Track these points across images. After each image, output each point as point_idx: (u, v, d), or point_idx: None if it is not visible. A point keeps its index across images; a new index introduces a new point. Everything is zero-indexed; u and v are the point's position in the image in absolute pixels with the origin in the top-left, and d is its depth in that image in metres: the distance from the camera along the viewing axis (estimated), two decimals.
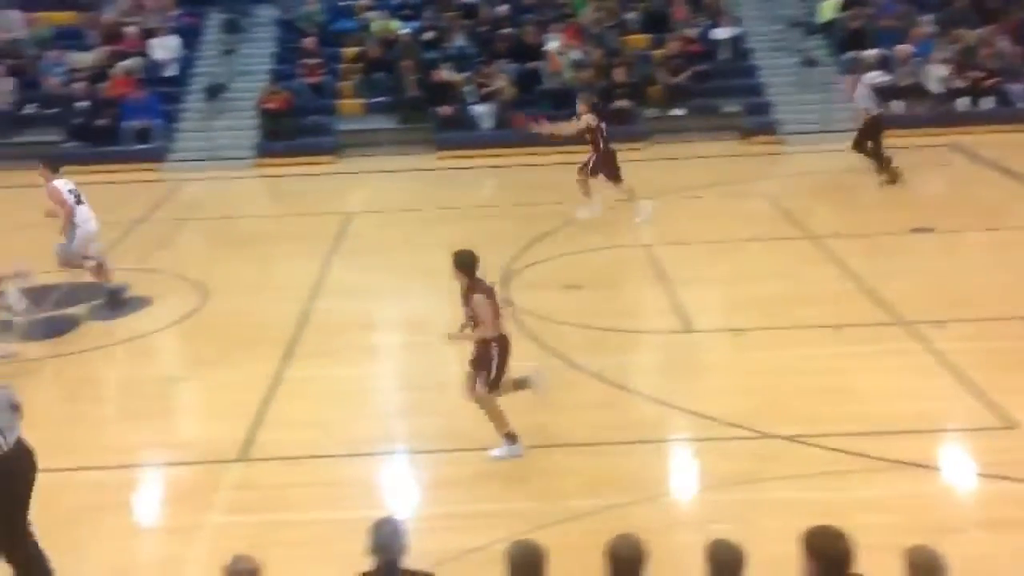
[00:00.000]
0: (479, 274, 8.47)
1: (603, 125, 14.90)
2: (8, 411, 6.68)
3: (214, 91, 21.29)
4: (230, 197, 18.67)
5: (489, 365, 8.43)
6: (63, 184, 12.07)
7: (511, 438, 8.56)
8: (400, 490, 8.50)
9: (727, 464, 8.43)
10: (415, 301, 12.47)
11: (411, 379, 10.53)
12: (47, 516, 7.77)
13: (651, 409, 9.45)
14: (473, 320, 8.42)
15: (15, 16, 22.56)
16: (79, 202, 12.08)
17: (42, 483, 8.26)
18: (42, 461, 8.52)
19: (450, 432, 9.07)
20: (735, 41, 22.49)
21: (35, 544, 6.75)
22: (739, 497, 7.88)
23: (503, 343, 8.52)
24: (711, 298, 12.23)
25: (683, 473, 8.66)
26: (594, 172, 14.94)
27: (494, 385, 8.48)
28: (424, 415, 9.56)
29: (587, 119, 14.73)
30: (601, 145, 14.83)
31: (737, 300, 12.03)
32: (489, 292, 8.48)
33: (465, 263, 8.38)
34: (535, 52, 21.79)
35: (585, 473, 8.31)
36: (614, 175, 14.93)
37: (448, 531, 7.54)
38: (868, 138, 16.50)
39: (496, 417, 8.55)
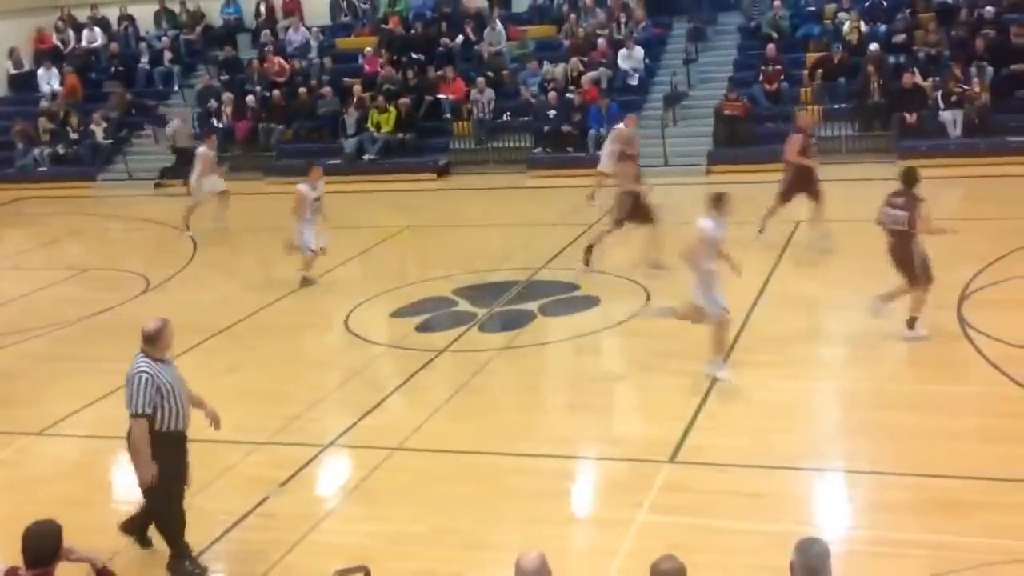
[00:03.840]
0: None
1: None
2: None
3: (673, 99, 21.86)
4: (679, 202, 19.06)
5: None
6: None
7: None
8: (831, 510, 8.34)
9: None
10: (862, 314, 12.08)
11: (853, 396, 10.22)
12: (492, 495, 8.54)
13: None
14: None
15: (500, 31, 24.56)
16: None
17: (489, 464, 9.08)
18: (493, 445, 9.40)
19: (889, 454, 8.77)
20: None
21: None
22: None
23: None
24: None
25: None
26: None
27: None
28: (863, 435, 9.28)
29: None
30: None
31: None
32: None
33: None
34: (1019, 54, 20.15)
35: None
36: None
37: (875, 557, 7.29)
38: None
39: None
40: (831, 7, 22.98)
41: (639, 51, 23.03)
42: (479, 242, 16.87)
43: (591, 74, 22.50)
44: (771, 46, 22.09)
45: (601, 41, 23.38)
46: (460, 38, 24.71)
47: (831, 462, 8.93)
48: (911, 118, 19.79)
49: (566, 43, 23.87)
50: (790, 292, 13.19)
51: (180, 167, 21.56)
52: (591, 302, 13.25)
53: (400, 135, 22.41)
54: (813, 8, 23.36)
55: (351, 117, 22.81)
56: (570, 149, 21.58)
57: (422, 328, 12.76)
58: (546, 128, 21.84)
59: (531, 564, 5.15)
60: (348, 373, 11.55)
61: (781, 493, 8.37)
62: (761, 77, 21.74)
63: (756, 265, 14.02)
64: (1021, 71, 19.89)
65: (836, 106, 20.96)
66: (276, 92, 23.90)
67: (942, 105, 19.76)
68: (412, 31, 25.22)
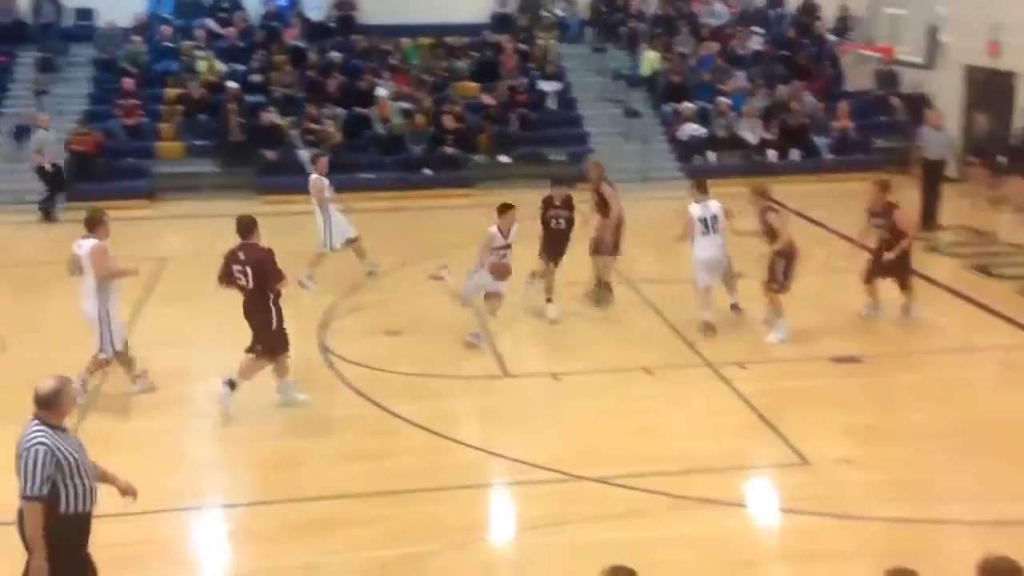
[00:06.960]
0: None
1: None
2: None
3: (23, 132, 20.41)
4: (30, 242, 17.83)
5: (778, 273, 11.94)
6: None
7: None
8: (206, 546, 8.26)
9: (536, 507, 8.52)
10: (229, 349, 12.17)
11: (233, 431, 10.14)
12: None
13: (466, 455, 9.47)
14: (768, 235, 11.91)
15: None
16: None
17: None
18: None
19: (259, 484, 8.95)
20: (561, 92, 23.03)
21: None
22: (546, 540, 7.96)
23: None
24: (530, 343, 12.37)
25: (493, 518, 8.74)
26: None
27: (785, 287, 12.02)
28: (232, 467, 9.37)
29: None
30: None
31: (555, 344, 12.21)
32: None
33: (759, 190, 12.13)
34: (365, 98, 21.81)
35: (397, 521, 8.28)
36: None
37: None
38: None
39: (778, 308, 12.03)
40: (188, 44, 23.03)
41: None
42: None
43: None
44: (128, 80, 21.61)
45: None
46: None
47: (207, 499, 8.86)
48: (271, 155, 20.47)
49: None
50: (162, 330, 12.88)
51: None
52: None
53: None
54: (171, 44, 23.20)
55: None
56: None
57: None
58: None
59: None
60: None
61: (158, 538, 8.12)
62: (119, 111, 21.16)
63: (123, 303, 13.55)
64: (366, 113, 21.52)
65: (198, 142, 21.04)
66: None
67: (300, 144, 20.71)
68: None
